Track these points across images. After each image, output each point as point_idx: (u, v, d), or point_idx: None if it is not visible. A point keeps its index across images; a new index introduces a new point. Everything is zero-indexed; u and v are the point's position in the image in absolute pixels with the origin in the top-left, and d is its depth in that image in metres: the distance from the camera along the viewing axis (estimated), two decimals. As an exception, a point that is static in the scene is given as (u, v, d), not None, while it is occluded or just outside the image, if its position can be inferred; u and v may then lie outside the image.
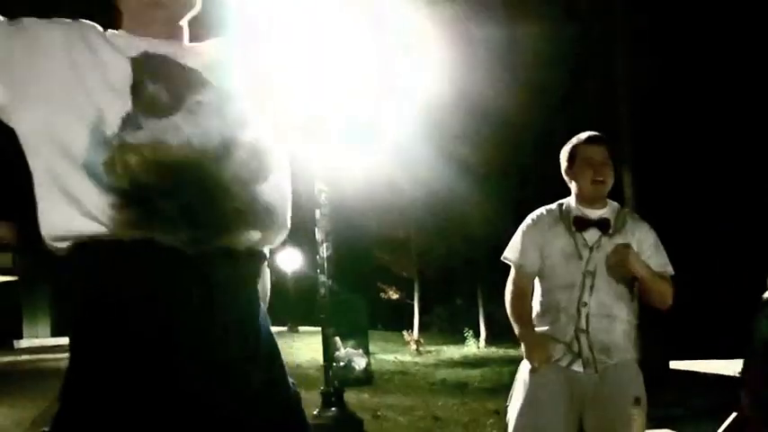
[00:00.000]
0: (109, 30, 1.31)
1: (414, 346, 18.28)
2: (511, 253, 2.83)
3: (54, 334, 23.76)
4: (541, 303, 2.78)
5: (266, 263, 1.39)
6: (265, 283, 1.42)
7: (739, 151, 14.11)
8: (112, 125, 1.18)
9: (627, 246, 2.63)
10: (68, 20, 1.28)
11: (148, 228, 1.18)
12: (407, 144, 10.95)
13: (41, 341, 22.80)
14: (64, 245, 1.22)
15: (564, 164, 2.81)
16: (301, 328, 23.12)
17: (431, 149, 13.92)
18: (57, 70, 1.21)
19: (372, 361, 12.47)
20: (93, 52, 1.23)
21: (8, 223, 16.92)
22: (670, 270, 2.75)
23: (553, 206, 2.82)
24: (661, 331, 9.11)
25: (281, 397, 1.32)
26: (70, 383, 1.21)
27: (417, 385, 11.68)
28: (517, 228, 2.87)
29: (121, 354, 1.18)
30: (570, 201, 2.79)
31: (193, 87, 1.27)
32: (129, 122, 1.19)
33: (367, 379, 10.97)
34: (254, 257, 1.31)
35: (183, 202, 1.20)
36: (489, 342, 19.68)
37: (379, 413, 7.45)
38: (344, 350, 7.75)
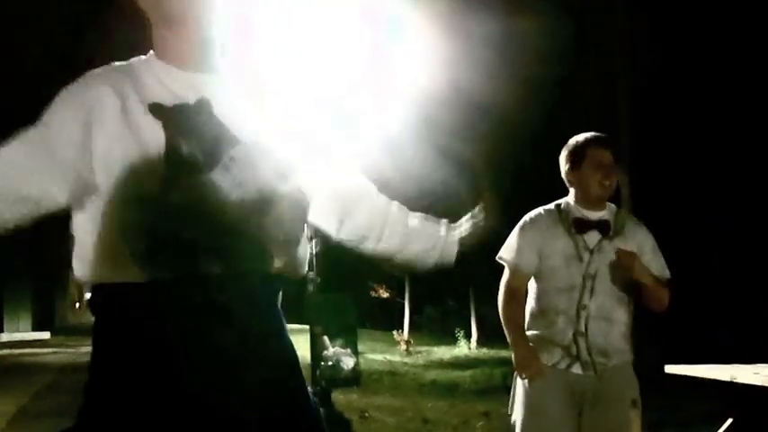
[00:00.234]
0: (136, 65, 1.36)
1: (403, 347, 18.20)
2: (506, 253, 2.79)
3: (35, 328, 23.78)
4: (537, 305, 2.75)
5: None
6: None
7: (739, 151, 14.07)
8: (152, 187, 1.23)
9: (632, 253, 2.62)
10: (94, 86, 1.31)
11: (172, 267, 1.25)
12: (399, 139, 10.87)
13: (22, 335, 22.85)
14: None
15: (568, 164, 2.77)
16: (288, 326, 22.89)
17: (423, 144, 13.86)
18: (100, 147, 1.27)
19: (361, 361, 12.31)
20: (124, 119, 1.28)
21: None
22: (667, 274, 2.78)
23: (551, 207, 2.79)
24: (657, 335, 9.08)
25: (303, 418, 1.37)
26: (93, 379, 1.28)
27: (407, 386, 11.61)
28: (512, 227, 2.84)
29: (140, 361, 1.24)
30: (569, 202, 2.77)
31: (225, 142, 1.31)
32: (167, 183, 1.24)
33: (355, 379, 10.84)
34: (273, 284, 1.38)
35: (209, 246, 1.27)
36: (481, 343, 19.60)
37: (367, 414, 7.36)
38: (332, 349, 7.64)
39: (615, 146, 2.77)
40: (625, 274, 2.63)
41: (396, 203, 1.62)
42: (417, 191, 16.69)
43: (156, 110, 1.29)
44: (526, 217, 2.81)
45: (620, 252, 2.62)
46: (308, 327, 7.49)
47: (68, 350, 17.24)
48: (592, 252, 2.66)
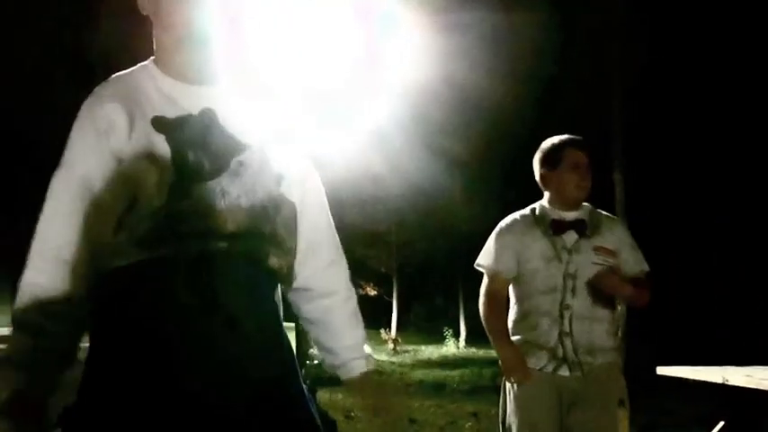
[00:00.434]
0: (139, 76, 1.39)
1: (391, 345, 18.17)
2: (484, 259, 2.80)
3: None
4: (520, 309, 2.77)
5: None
6: None
7: (733, 149, 14.10)
8: (161, 196, 1.28)
9: (610, 275, 2.65)
10: (105, 116, 1.33)
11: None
12: (390, 134, 10.80)
13: (1, 330, 22.56)
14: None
15: (544, 166, 2.78)
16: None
17: (414, 141, 13.82)
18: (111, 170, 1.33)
19: (348, 359, 12.29)
20: (131, 133, 1.32)
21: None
22: (646, 267, 2.80)
23: (526, 211, 2.82)
24: (648, 336, 9.06)
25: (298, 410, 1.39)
26: (87, 378, 1.29)
27: (393, 386, 11.56)
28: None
29: (137, 356, 1.26)
30: (543, 205, 2.78)
31: (233, 150, 1.36)
32: (175, 191, 1.29)
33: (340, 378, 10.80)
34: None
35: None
36: (469, 342, 19.59)
37: (352, 414, 7.27)
38: (319, 348, 7.54)
39: (590, 148, 2.78)
40: (606, 282, 2.64)
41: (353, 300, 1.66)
42: (407, 185, 16.66)
43: (162, 123, 1.34)
44: (501, 223, 2.82)
45: (598, 276, 2.64)
46: (293, 324, 7.40)
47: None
48: (570, 252, 2.67)
